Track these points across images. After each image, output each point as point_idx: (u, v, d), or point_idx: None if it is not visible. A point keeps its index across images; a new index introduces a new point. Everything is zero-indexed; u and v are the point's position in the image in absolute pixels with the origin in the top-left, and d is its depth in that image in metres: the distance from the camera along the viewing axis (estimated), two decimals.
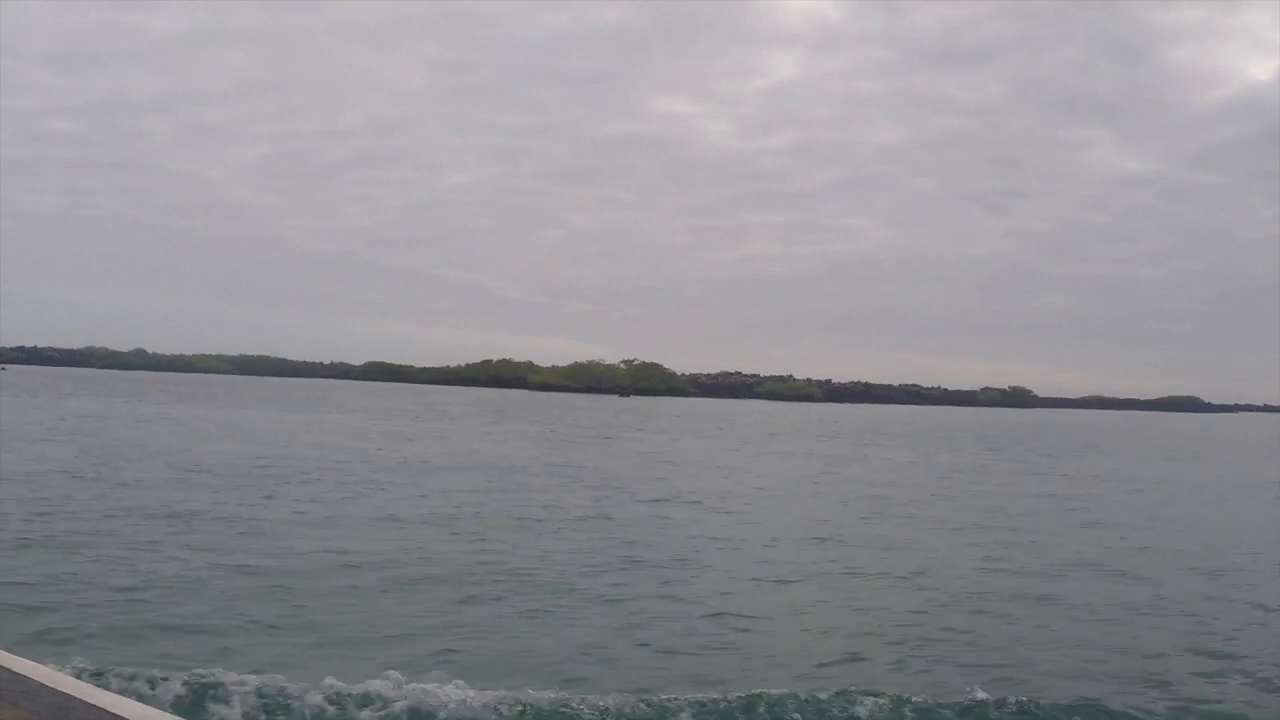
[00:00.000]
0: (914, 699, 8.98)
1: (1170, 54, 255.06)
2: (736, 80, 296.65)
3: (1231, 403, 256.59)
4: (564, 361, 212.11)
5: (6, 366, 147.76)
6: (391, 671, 8.71)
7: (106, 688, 4.96)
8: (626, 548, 17.29)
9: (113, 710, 3.38)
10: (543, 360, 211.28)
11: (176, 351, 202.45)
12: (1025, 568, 16.82)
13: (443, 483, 26.15)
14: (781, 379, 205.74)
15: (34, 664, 3.97)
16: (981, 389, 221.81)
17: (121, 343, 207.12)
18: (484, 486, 25.74)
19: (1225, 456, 60.48)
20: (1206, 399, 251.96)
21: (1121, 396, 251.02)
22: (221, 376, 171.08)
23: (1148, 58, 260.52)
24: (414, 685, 8.49)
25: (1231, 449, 71.68)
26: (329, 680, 8.49)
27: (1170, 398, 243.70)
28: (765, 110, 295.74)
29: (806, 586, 14.80)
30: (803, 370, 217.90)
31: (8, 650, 4.05)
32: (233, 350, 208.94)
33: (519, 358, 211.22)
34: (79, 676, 5.26)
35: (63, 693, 3.56)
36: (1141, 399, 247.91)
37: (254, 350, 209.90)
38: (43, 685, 3.63)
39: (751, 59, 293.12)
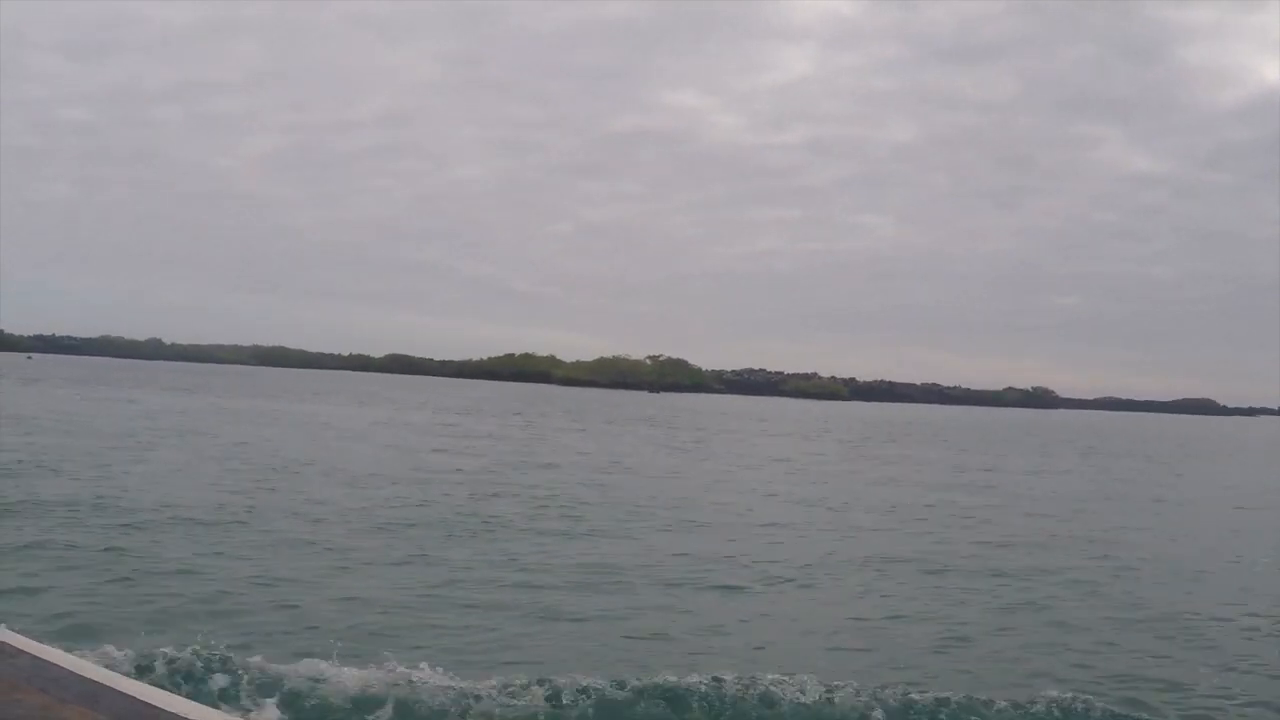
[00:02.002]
0: None
1: (1184, 54, 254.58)
2: (749, 75, 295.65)
3: (1246, 405, 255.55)
4: (579, 355, 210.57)
5: (32, 355, 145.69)
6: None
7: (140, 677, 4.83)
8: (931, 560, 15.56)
9: (139, 697, 3.37)
10: (559, 353, 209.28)
11: (190, 341, 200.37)
12: None
13: (637, 496, 24.17)
14: (806, 376, 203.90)
15: (62, 652, 3.96)
16: (1004, 389, 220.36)
17: (135, 331, 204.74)
18: (684, 500, 23.81)
19: None
20: (1221, 401, 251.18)
21: (1138, 398, 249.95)
22: (245, 367, 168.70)
23: (1161, 57, 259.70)
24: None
25: None
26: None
27: (1186, 400, 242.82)
28: (777, 105, 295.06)
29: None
30: (821, 367, 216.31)
31: (39, 639, 3.99)
32: (246, 340, 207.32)
33: (533, 350, 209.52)
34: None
35: (91, 680, 3.56)
36: (1157, 400, 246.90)
37: (266, 340, 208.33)
38: (70, 673, 3.63)
39: (765, 54, 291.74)
